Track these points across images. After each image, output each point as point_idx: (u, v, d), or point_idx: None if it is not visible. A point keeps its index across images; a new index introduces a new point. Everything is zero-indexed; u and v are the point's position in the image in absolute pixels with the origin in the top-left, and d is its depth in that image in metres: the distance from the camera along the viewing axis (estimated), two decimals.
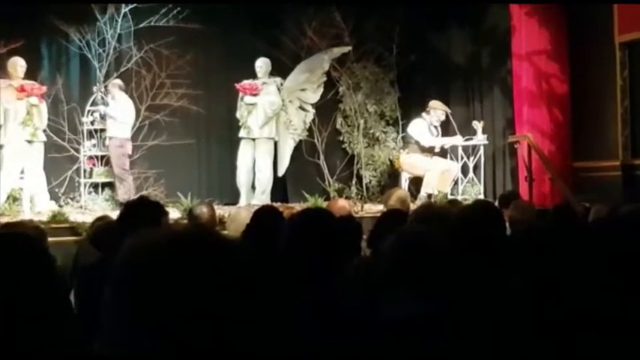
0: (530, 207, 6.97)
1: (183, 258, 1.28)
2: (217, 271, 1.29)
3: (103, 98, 11.73)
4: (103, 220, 6.43)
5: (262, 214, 5.26)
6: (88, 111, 11.94)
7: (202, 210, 6.64)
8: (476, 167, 12.27)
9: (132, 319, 1.26)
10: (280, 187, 12.79)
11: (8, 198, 10.60)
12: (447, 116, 12.38)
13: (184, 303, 1.25)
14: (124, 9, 11.73)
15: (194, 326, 1.24)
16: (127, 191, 11.16)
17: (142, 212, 4.27)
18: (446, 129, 12.90)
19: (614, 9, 11.15)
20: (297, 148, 12.87)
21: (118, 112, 11.35)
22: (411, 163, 11.89)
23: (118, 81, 11.61)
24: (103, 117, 11.56)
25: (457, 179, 12.13)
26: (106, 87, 11.69)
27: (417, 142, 12.04)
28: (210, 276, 1.28)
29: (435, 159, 11.93)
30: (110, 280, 1.31)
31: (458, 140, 12.12)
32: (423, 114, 12.20)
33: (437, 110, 12.11)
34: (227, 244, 1.35)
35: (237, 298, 1.29)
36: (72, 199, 11.65)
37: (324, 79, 12.93)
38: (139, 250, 1.31)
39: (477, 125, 12.23)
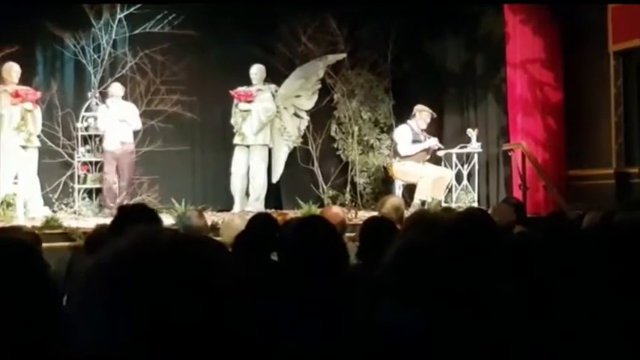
0: (509, 210, 6.99)
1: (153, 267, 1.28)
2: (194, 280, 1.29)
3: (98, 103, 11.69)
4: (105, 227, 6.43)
5: (257, 222, 5.27)
6: (83, 117, 11.93)
7: (194, 217, 6.64)
8: (470, 175, 12.28)
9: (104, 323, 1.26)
10: (274, 194, 12.80)
11: (2, 203, 10.57)
12: (433, 119, 12.33)
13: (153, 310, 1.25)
14: (119, 15, 11.74)
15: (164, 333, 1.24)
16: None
17: (134, 219, 4.26)
18: (440, 134, 12.97)
19: (609, 17, 11.18)
20: (292, 155, 12.87)
21: (132, 115, 11.36)
22: (403, 170, 11.86)
23: (121, 85, 11.57)
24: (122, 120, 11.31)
25: (451, 187, 12.13)
26: (101, 93, 11.65)
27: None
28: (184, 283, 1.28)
29: (427, 165, 11.86)
30: (85, 286, 1.31)
31: (433, 142, 11.96)
32: (409, 120, 12.12)
33: (422, 112, 12.02)
34: (206, 250, 1.35)
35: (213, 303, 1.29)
36: (66, 204, 11.63)
37: (319, 86, 12.94)
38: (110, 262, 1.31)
39: (472, 133, 12.24)
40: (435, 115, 12.17)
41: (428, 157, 12.03)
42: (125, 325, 1.24)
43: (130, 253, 1.30)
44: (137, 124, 11.50)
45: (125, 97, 11.73)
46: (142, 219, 4.25)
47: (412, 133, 11.85)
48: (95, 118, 11.79)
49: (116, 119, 11.24)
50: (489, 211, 6.97)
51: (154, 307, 1.24)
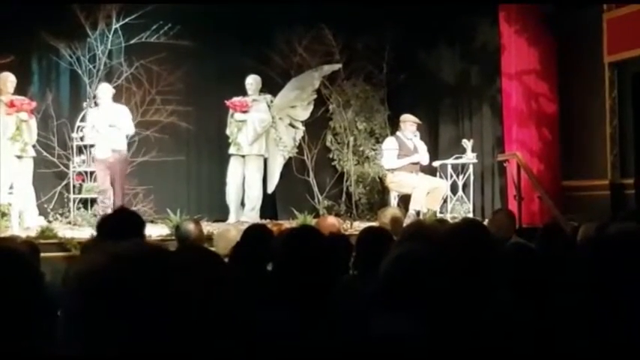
0: (509, 223, 6.98)
1: (130, 276, 1.29)
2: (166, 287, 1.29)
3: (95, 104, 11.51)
4: None
5: (252, 233, 5.27)
6: (78, 127, 11.91)
7: (189, 227, 6.63)
8: (465, 185, 12.26)
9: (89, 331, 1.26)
10: (270, 204, 12.78)
11: None
12: (423, 127, 12.27)
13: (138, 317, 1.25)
14: (115, 25, 11.73)
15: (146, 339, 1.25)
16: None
17: (120, 223, 4.26)
18: (435, 145, 13.00)
19: (604, 29, 11.22)
20: (287, 165, 12.88)
21: (122, 119, 11.07)
22: (397, 181, 11.80)
23: (109, 86, 11.36)
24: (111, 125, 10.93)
25: (446, 197, 12.11)
26: (96, 104, 11.51)
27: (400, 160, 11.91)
28: (157, 293, 1.28)
29: (420, 176, 11.77)
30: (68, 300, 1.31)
31: (416, 158, 11.86)
32: (398, 131, 12.08)
33: (405, 123, 11.93)
34: (173, 261, 1.36)
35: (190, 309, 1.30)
36: (61, 214, 11.62)
37: (314, 96, 12.96)
38: (88, 274, 1.31)
39: (467, 143, 12.23)
40: (419, 122, 12.05)
41: (417, 167, 11.88)
42: (110, 330, 1.24)
43: (119, 263, 1.30)
44: (129, 128, 11.17)
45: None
46: (125, 224, 4.25)
47: (399, 144, 11.72)
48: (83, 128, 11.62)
49: (105, 124, 10.96)
50: (486, 223, 6.98)
51: (136, 313, 1.25)
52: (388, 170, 11.86)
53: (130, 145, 11.75)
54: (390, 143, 11.85)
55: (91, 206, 11.70)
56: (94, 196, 11.57)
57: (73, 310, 1.29)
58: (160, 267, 1.32)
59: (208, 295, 1.35)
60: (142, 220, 4.49)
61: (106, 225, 4.38)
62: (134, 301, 1.27)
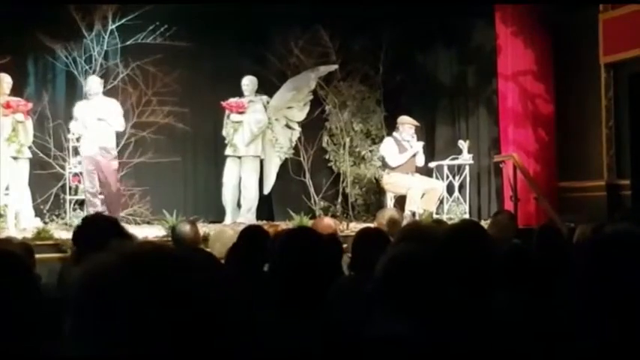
0: (511, 225, 6.98)
1: (136, 277, 1.29)
2: (172, 288, 1.30)
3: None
4: None
5: (248, 234, 5.27)
6: None
7: (185, 228, 6.61)
8: (461, 186, 12.29)
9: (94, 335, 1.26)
10: (266, 205, 12.77)
11: None
12: (420, 129, 12.27)
13: (141, 320, 1.25)
14: (111, 26, 11.72)
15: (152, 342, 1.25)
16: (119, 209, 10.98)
17: (97, 229, 4.15)
18: (432, 146, 13.00)
19: (600, 30, 11.22)
20: (283, 167, 12.86)
21: (112, 114, 10.88)
22: (393, 182, 11.81)
23: (99, 79, 11.24)
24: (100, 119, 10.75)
25: (442, 198, 12.12)
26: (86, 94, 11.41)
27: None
28: (165, 292, 1.28)
29: (415, 176, 11.78)
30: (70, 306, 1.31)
31: (415, 150, 11.82)
32: (394, 132, 12.08)
33: (404, 125, 11.95)
34: (180, 260, 1.36)
35: (196, 311, 1.29)
36: (57, 215, 11.59)
37: (311, 97, 12.94)
38: (95, 274, 1.31)
39: (463, 144, 12.25)
40: (417, 125, 12.07)
41: (414, 168, 11.87)
42: (119, 331, 1.24)
43: (122, 263, 1.30)
44: (119, 124, 10.97)
45: None
46: (106, 230, 4.13)
47: (397, 144, 11.75)
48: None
49: (94, 118, 10.76)
50: (487, 224, 6.99)
51: (146, 314, 1.24)
52: (394, 168, 11.79)
53: (126, 146, 11.77)
54: (388, 143, 11.87)
55: (87, 207, 11.67)
56: None
57: (81, 311, 1.29)
58: (169, 266, 1.32)
59: (210, 295, 1.35)
60: (120, 226, 4.33)
61: (81, 235, 4.28)
62: (144, 301, 1.27)
